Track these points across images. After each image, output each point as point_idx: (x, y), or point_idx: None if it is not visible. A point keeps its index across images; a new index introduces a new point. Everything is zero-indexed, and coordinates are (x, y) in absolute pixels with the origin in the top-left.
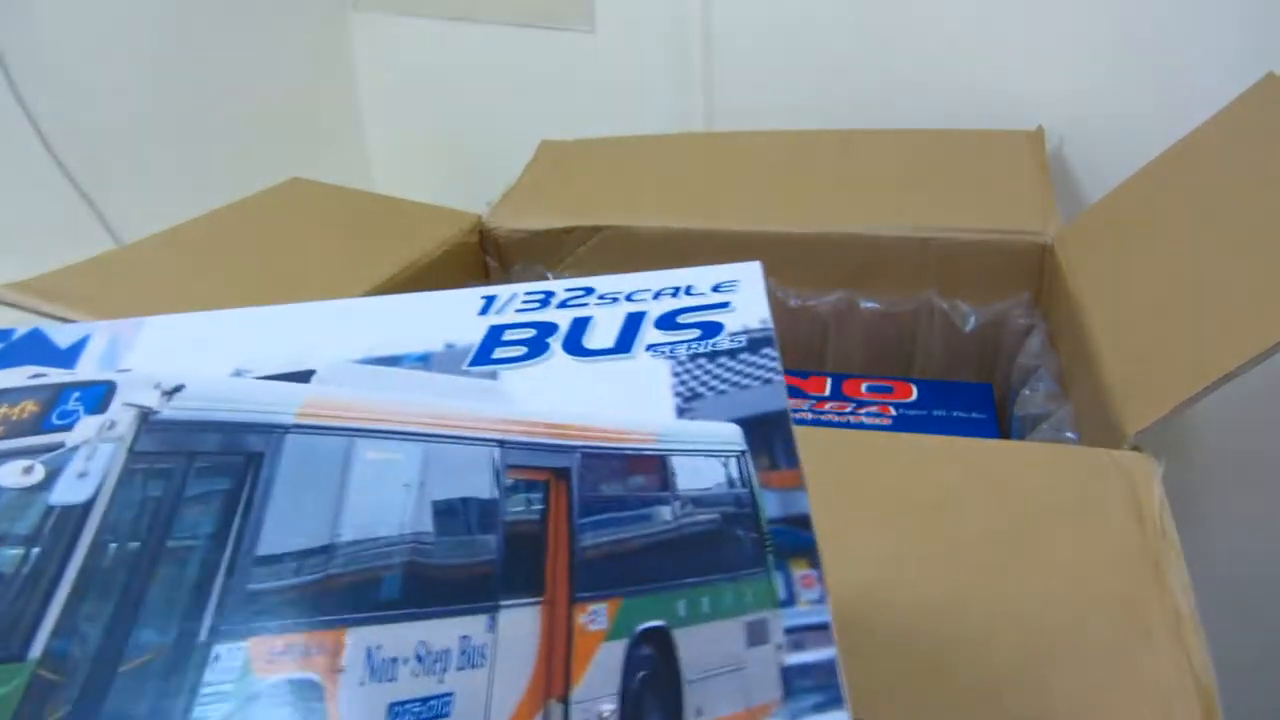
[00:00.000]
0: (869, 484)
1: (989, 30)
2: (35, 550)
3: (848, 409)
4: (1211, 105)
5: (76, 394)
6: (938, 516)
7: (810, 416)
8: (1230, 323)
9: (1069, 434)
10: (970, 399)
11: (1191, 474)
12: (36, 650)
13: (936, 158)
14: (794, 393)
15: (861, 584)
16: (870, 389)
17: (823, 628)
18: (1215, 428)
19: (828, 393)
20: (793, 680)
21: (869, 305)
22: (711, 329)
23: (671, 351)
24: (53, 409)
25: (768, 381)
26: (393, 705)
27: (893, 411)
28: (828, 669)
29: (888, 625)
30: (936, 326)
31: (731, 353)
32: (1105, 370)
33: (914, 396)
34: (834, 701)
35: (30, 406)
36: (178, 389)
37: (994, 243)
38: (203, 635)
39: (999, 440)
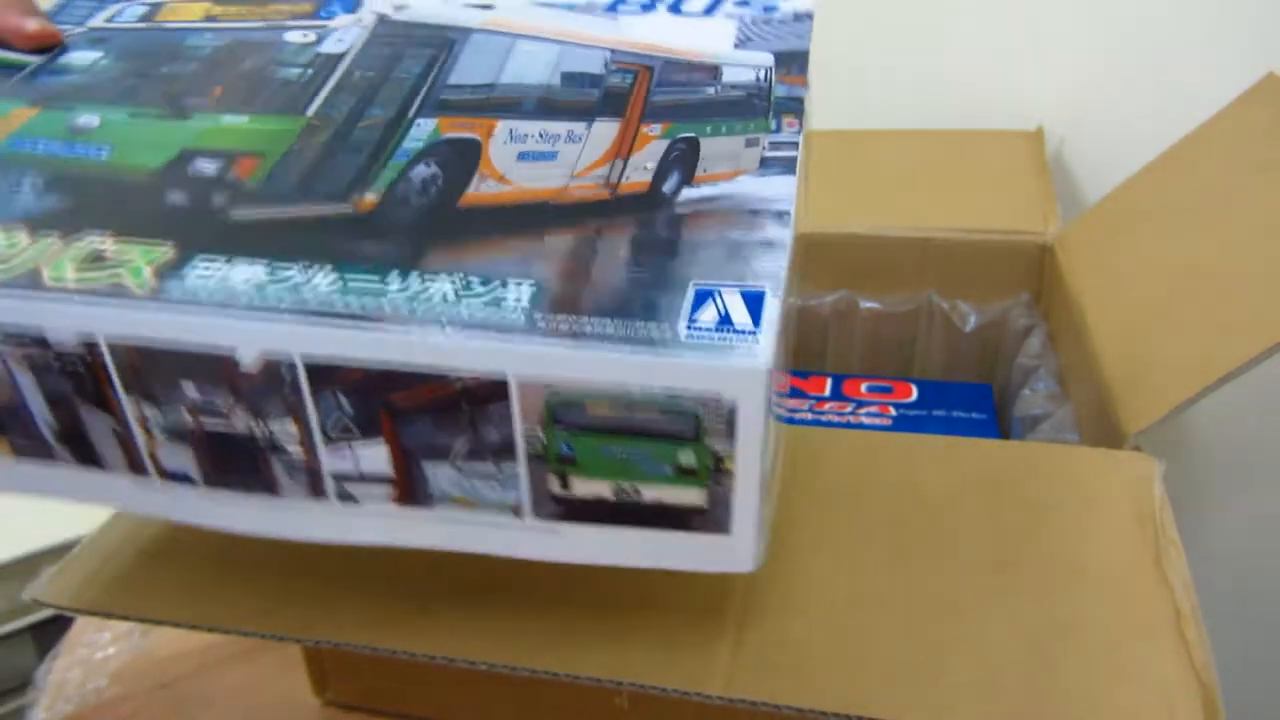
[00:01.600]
0: (869, 484)
1: (989, 30)
2: (309, 70)
3: (848, 409)
4: (1211, 105)
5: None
6: (938, 516)
7: (810, 416)
8: (1230, 323)
9: (1069, 434)
10: (970, 399)
11: (1191, 474)
12: (310, 111)
13: (936, 158)
14: (794, 393)
15: (861, 583)
16: (870, 389)
17: (793, 144)
18: (1215, 428)
19: (828, 393)
20: (768, 163)
21: (869, 305)
22: (770, 8)
23: (740, 18)
24: (321, 7)
25: (799, 37)
26: (521, 154)
27: (893, 411)
28: (789, 161)
29: (887, 624)
30: (936, 326)
31: (780, 21)
32: (1105, 370)
33: (914, 396)
34: (788, 171)
35: (306, 6)
36: (403, 7)
37: (994, 243)
38: (410, 114)
39: (999, 440)
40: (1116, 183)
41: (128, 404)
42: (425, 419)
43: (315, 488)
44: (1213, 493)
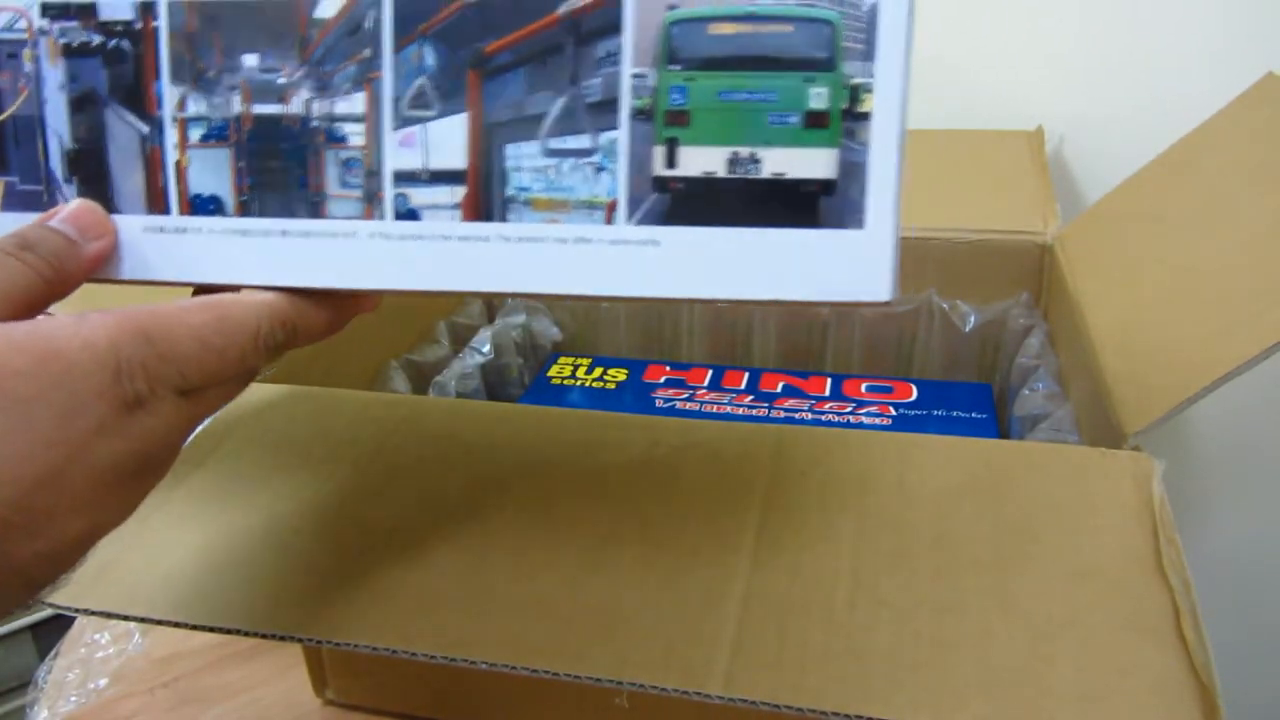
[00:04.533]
0: (869, 484)
1: (989, 30)
2: None
3: (848, 409)
4: (1211, 105)
5: None
6: (938, 516)
7: (810, 416)
8: (1230, 323)
9: (1069, 434)
10: (970, 399)
11: (1191, 474)
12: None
13: (936, 158)
14: (794, 393)
15: (861, 583)
16: (870, 389)
17: None
18: (1215, 428)
19: (828, 393)
20: None
21: None
22: None
23: None
24: None
25: None
26: None
27: (893, 411)
28: None
29: (887, 624)
30: (936, 326)
31: None
32: (1105, 370)
33: (914, 396)
34: None
35: None
36: None
37: (994, 243)
38: None
39: (999, 440)
40: (1116, 183)
41: (169, 98)
42: (519, 73)
43: (371, 199)
44: (1213, 493)
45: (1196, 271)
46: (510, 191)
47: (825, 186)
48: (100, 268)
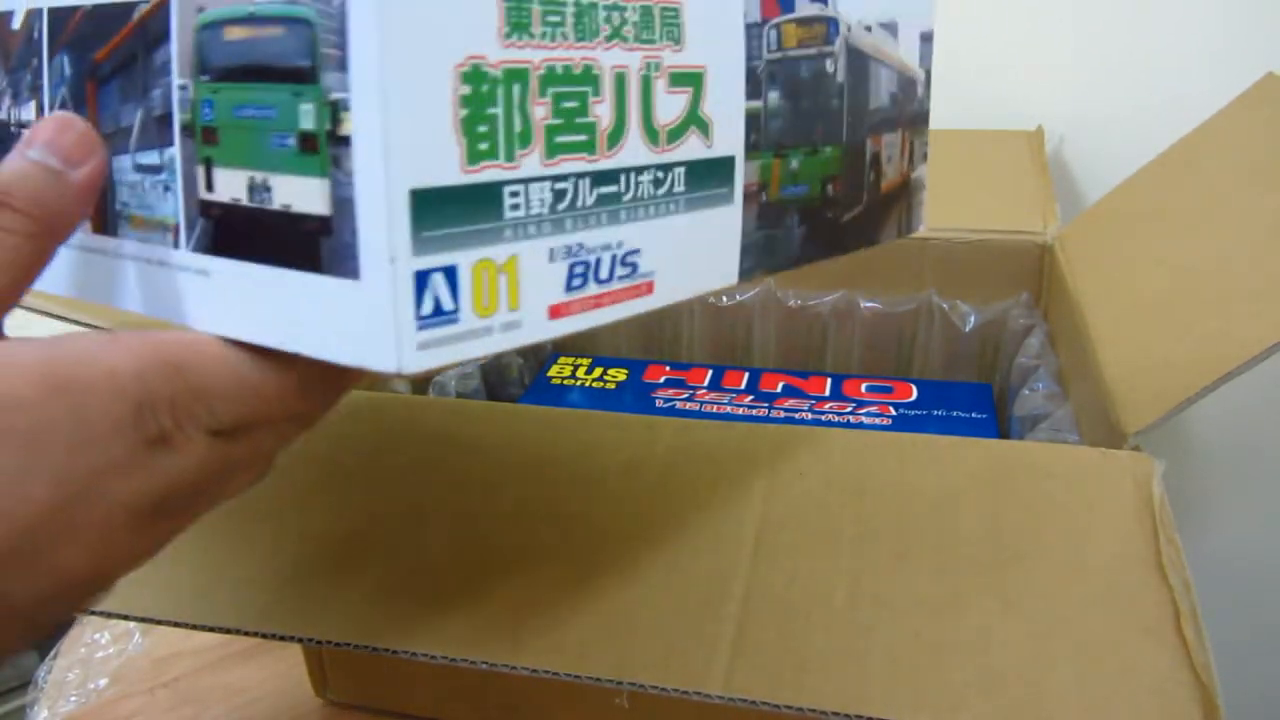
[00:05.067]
0: (869, 484)
1: (989, 30)
2: None
3: (848, 409)
4: (1211, 105)
5: None
6: (938, 516)
7: (810, 416)
8: (1230, 323)
9: (1069, 434)
10: (970, 399)
11: (1191, 474)
12: None
13: (936, 158)
14: (794, 393)
15: (861, 583)
16: (870, 389)
17: None
18: (1215, 428)
19: (828, 393)
20: None
21: (869, 305)
22: None
23: None
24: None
25: None
26: None
27: (893, 411)
28: None
29: (887, 624)
30: (936, 326)
31: None
32: (1105, 370)
33: (914, 396)
34: None
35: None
36: None
37: (994, 243)
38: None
39: (999, 440)
40: (1116, 183)
41: None
42: (116, 83)
43: None
44: (1213, 493)
45: (1196, 271)
46: (117, 206)
47: (323, 224)
48: (94, 198)
